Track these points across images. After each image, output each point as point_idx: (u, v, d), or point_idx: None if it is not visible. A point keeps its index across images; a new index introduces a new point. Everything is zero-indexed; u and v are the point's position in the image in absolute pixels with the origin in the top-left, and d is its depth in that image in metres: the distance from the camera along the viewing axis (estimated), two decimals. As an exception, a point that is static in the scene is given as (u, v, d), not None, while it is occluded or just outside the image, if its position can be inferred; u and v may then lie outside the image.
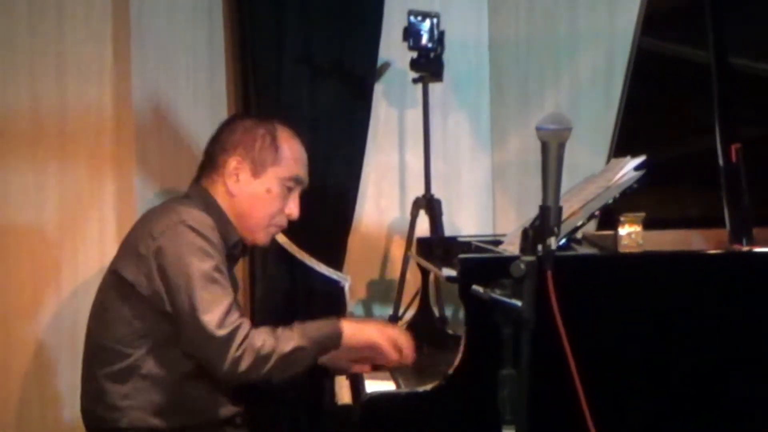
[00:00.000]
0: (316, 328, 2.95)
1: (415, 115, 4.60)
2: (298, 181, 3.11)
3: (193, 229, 2.87)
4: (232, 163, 3.04)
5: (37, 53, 4.03)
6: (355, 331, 2.99)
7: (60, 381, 4.05)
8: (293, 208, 3.12)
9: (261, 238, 3.13)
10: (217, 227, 2.97)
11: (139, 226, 3.04)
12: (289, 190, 3.09)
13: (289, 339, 2.86)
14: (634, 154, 3.07)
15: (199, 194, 3.08)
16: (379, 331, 3.03)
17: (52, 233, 4.06)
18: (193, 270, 2.83)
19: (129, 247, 3.00)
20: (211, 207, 3.03)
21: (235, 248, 3.10)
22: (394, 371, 3.11)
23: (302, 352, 2.88)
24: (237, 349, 2.77)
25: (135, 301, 2.92)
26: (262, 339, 2.82)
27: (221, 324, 2.78)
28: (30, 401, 4.06)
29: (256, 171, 3.05)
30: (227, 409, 3.06)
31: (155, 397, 2.94)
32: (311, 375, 3.18)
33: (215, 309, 2.80)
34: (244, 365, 2.78)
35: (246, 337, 2.80)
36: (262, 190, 3.06)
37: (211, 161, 3.11)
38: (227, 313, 2.80)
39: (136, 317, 2.92)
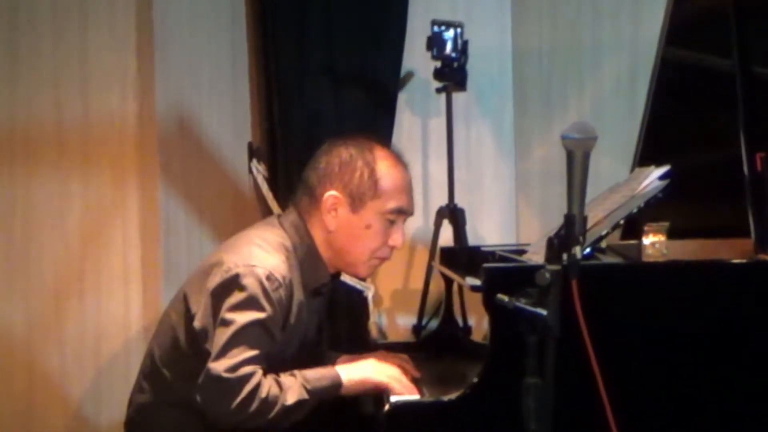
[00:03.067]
0: (317, 378, 2.83)
1: (438, 125, 4.61)
2: (401, 212, 2.94)
3: (256, 278, 2.75)
4: (330, 197, 2.89)
5: (60, 63, 4.06)
6: (353, 377, 2.87)
7: (82, 387, 4.07)
8: (397, 239, 2.95)
9: (362, 271, 3.00)
10: (302, 272, 2.89)
11: (223, 249, 2.94)
12: (392, 222, 2.93)
13: (292, 390, 2.76)
14: (659, 164, 3.06)
15: (294, 225, 2.94)
16: (376, 370, 2.92)
17: (76, 242, 4.08)
18: (237, 317, 2.71)
19: (204, 270, 2.88)
20: (303, 243, 2.92)
21: (323, 287, 2.99)
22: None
23: (303, 405, 2.78)
24: (248, 395, 2.68)
25: (192, 335, 2.83)
26: (268, 387, 2.73)
27: (231, 369, 2.68)
28: (52, 406, 4.08)
29: (355, 206, 2.88)
30: None
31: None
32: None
33: (232, 357, 2.69)
34: (251, 410, 2.69)
35: (258, 384, 2.70)
36: (361, 226, 2.90)
37: (308, 190, 2.94)
38: (242, 363, 2.69)
39: (196, 355, 2.81)
